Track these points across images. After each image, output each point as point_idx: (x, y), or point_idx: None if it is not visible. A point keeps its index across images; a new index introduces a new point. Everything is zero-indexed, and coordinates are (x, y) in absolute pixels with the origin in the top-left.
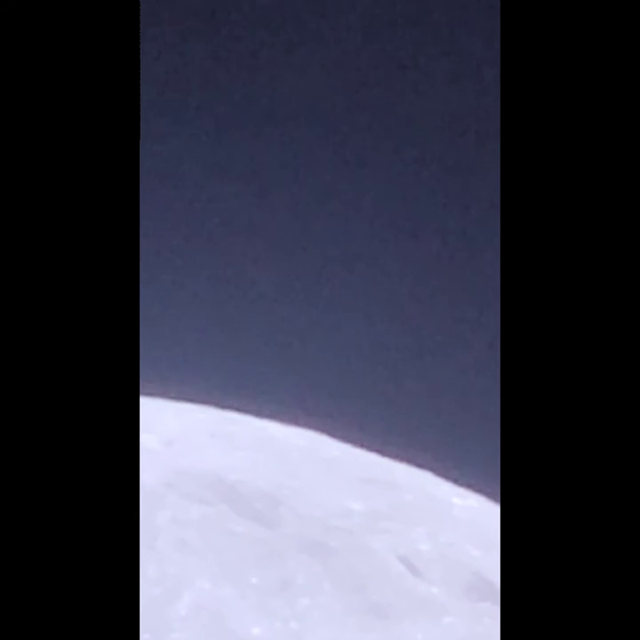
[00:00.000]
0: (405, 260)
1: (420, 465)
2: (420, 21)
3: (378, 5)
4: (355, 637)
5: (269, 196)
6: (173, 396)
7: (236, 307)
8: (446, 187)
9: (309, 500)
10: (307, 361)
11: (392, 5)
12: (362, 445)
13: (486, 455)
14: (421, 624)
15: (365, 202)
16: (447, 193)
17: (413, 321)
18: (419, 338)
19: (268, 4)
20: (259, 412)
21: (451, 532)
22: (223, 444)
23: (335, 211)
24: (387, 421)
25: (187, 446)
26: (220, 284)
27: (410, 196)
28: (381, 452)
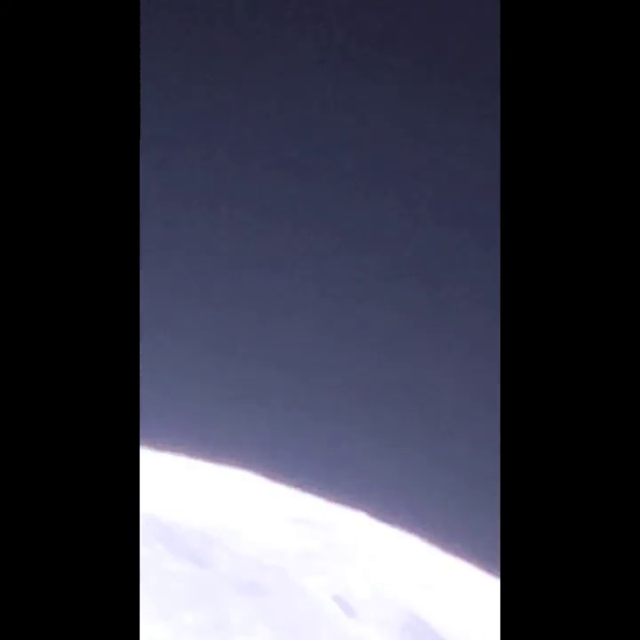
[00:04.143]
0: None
1: (353, 505)
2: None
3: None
4: None
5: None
6: None
7: (165, 343)
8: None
9: (243, 539)
10: (240, 401)
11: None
12: (296, 486)
13: (420, 496)
14: None
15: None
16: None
17: (345, 359)
18: (353, 377)
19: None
20: (193, 453)
21: (385, 572)
22: (157, 485)
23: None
24: (321, 462)
25: None
26: (154, 319)
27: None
28: (315, 492)
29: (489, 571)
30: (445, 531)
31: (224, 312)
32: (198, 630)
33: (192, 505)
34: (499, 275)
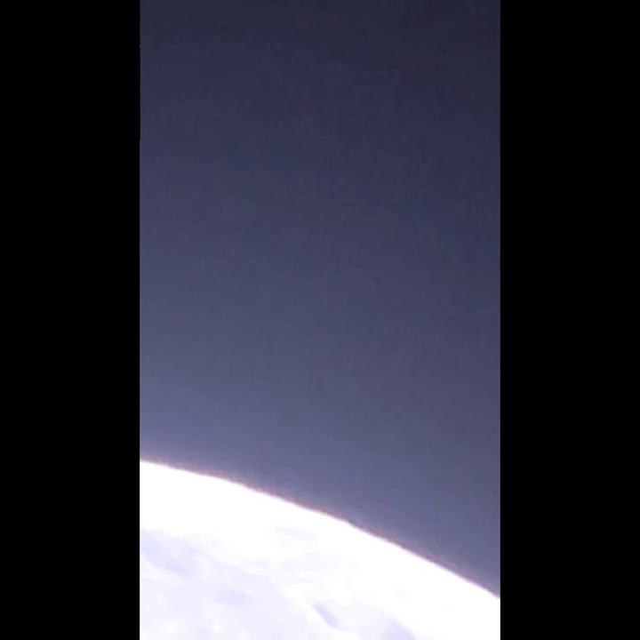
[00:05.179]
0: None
1: (336, 514)
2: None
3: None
4: None
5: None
6: None
7: (152, 352)
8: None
9: (225, 548)
10: (222, 410)
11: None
12: (278, 495)
13: (403, 505)
14: None
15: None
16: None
17: (324, 367)
18: (336, 386)
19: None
20: (174, 462)
21: (367, 581)
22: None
23: None
24: (303, 471)
25: None
26: (146, 325)
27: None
28: (297, 501)
29: (472, 579)
30: (428, 540)
31: (213, 322)
32: (180, 639)
33: (174, 514)
34: (499, 278)
